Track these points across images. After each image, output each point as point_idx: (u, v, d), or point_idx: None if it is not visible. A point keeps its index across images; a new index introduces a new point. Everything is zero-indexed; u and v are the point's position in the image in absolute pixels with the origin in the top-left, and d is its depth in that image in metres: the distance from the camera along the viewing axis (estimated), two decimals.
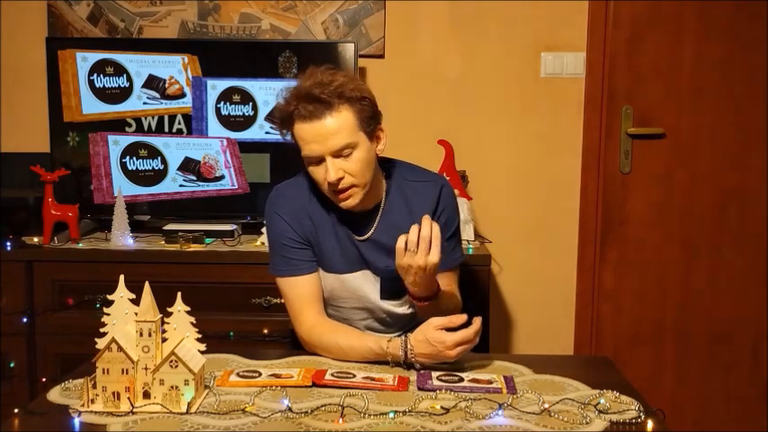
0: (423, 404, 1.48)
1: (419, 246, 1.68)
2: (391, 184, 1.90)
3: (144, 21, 3.02)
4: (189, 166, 2.83)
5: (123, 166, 2.83)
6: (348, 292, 1.90)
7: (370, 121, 1.79)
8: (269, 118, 2.80)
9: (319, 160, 1.76)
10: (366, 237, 1.87)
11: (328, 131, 1.73)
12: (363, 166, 1.77)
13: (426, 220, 1.70)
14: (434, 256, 1.69)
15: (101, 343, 1.44)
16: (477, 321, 1.66)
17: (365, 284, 1.89)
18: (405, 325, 1.95)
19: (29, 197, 2.73)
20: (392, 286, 1.90)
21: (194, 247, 2.61)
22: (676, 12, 3.01)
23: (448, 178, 2.64)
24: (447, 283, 1.91)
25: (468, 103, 3.06)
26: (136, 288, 1.46)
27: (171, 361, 1.42)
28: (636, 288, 3.13)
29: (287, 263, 1.85)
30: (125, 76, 2.80)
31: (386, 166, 1.90)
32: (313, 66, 1.81)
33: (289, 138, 1.83)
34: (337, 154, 1.74)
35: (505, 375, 1.63)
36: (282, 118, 1.79)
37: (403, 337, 1.68)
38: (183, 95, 2.81)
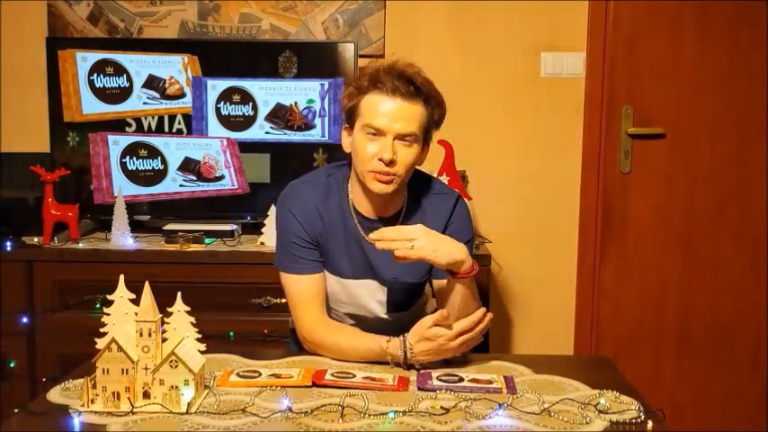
0: (423, 404, 1.48)
1: (404, 237, 1.67)
2: (411, 194, 1.89)
3: (144, 21, 3.02)
4: (189, 166, 2.83)
5: (123, 166, 2.83)
6: (348, 297, 1.90)
7: (432, 129, 1.81)
8: (270, 117, 2.80)
9: (376, 135, 1.74)
10: None
11: (404, 114, 1.73)
12: (411, 163, 1.77)
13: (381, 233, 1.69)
14: (412, 227, 1.68)
15: (101, 343, 1.43)
16: (479, 313, 1.68)
17: (366, 293, 1.89)
18: (395, 333, 1.93)
19: (29, 197, 2.72)
20: (399, 297, 1.90)
21: (194, 247, 2.61)
22: (676, 12, 3.01)
23: (448, 178, 2.65)
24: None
25: (468, 103, 3.06)
26: (136, 288, 1.46)
27: (171, 361, 1.42)
28: (636, 288, 3.12)
29: (294, 261, 1.85)
30: (125, 76, 2.80)
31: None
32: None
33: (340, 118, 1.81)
34: (400, 137, 1.74)
35: (505, 375, 1.63)
36: (360, 85, 1.76)
37: (401, 337, 1.68)
38: (183, 95, 2.81)
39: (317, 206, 1.85)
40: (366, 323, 1.90)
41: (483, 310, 1.72)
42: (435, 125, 1.82)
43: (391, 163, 1.73)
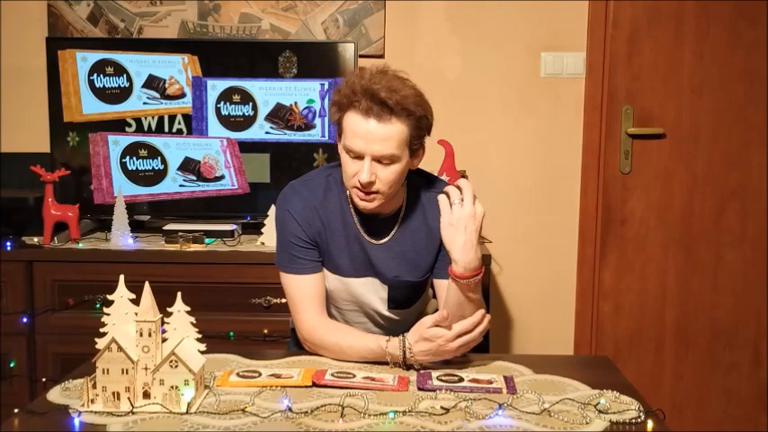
0: (423, 404, 1.48)
1: (464, 197, 1.69)
2: (411, 191, 1.89)
3: (144, 21, 3.02)
4: (189, 166, 2.83)
5: (123, 166, 2.83)
6: (350, 296, 1.90)
7: (420, 138, 1.78)
8: (270, 117, 2.80)
9: (357, 156, 1.73)
10: (383, 241, 1.86)
11: (379, 136, 1.70)
12: (396, 179, 1.76)
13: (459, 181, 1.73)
14: (480, 206, 1.70)
15: (101, 343, 1.44)
16: (478, 315, 1.68)
17: (368, 292, 1.89)
18: (403, 331, 1.94)
19: (29, 197, 2.73)
20: (400, 295, 1.90)
21: (194, 247, 2.61)
22: (676, 12, 3.01)
23: (448, 178, 2.65)
24: None
25: (468, 103, 3.06)
26: (136, 288, 1.46)
27: (171, 361, 1.42)
28: (636, 288, 3.13)
29: (294, 261, 1.85)
30: (125, 76, 2.80)
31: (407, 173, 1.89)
32: (386, 65, 1.77)
33: (332, 123, 1.81)
34: (378, 159, 1.73)
35: (505, 375, 1.63)
36: (340, 102, 1.75)
37: (401, 337, 1.69)
38: (183, 95, 2.81)
39: (316, 206, 1.85)
40: (371, 320, 1.91)
41: (482, 311, 1.72)
42: (426, 132, 1.79)
43: (370, 185, 1.73)
